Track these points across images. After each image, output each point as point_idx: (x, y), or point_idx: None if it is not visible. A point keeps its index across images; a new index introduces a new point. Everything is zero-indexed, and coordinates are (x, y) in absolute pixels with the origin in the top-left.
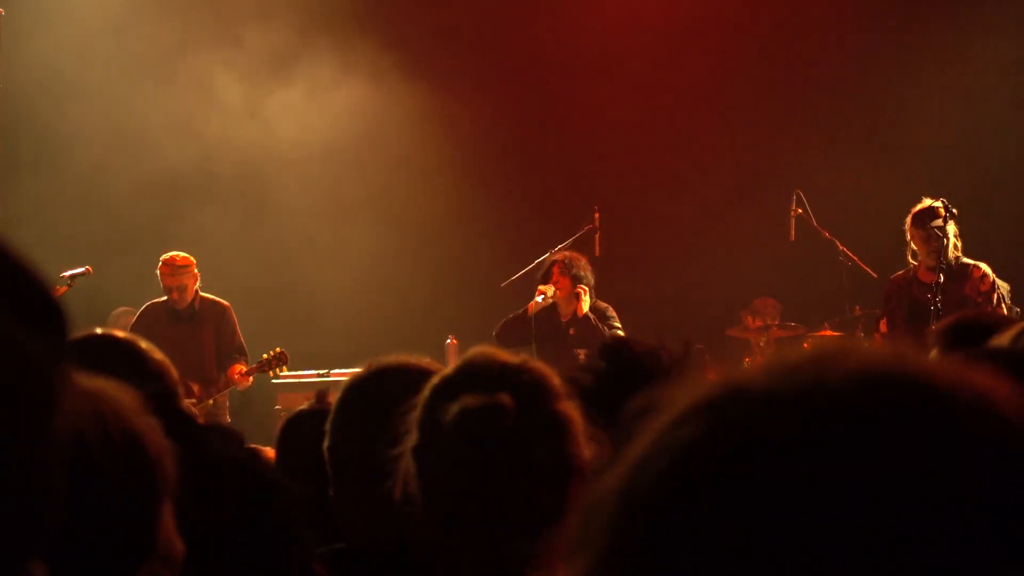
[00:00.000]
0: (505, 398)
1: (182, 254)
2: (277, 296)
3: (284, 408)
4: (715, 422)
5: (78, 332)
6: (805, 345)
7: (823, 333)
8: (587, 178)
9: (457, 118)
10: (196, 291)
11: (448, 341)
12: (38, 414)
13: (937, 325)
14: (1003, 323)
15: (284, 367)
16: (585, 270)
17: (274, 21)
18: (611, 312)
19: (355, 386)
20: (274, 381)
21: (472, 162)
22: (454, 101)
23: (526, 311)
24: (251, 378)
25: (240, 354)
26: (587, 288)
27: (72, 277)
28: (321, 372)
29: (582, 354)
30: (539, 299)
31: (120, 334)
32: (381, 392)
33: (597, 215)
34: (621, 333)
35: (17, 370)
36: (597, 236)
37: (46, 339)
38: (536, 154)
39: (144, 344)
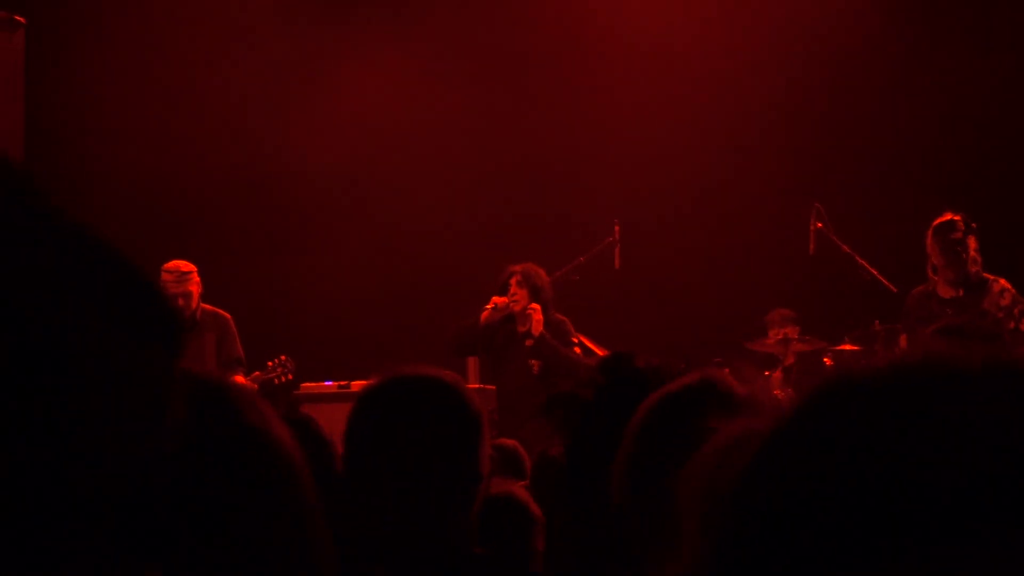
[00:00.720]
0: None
1: (184, 262)
2: (302, 306)
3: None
4: (839, 416)
5: None
6: (825, 360)
7: (843, 347)
8: (607, 191)
9: (477, 131)
10: (199, 300)
11: None
12: (154, 415)
13: (925, 330)
14: (990, 330)
15: (290, 375)
16: (543, 282)
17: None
18: (568, 327)
19: (367, 396)
20: (295, 392)
21: (494, 175)
22: (473, 114)
23: (478, 320)
24: (256, 385)
25: (239, 365)
26: (540, 306)
27: None
28: (342, 384)
29: (536, 366)
30: (492, 308)
31: None
32: (392, 401)
33: (617, 228)
34: (577, 349)
35: (133, 373)
36: (617, 249)
37: (159, 342)
38: (556, 167)
39: None
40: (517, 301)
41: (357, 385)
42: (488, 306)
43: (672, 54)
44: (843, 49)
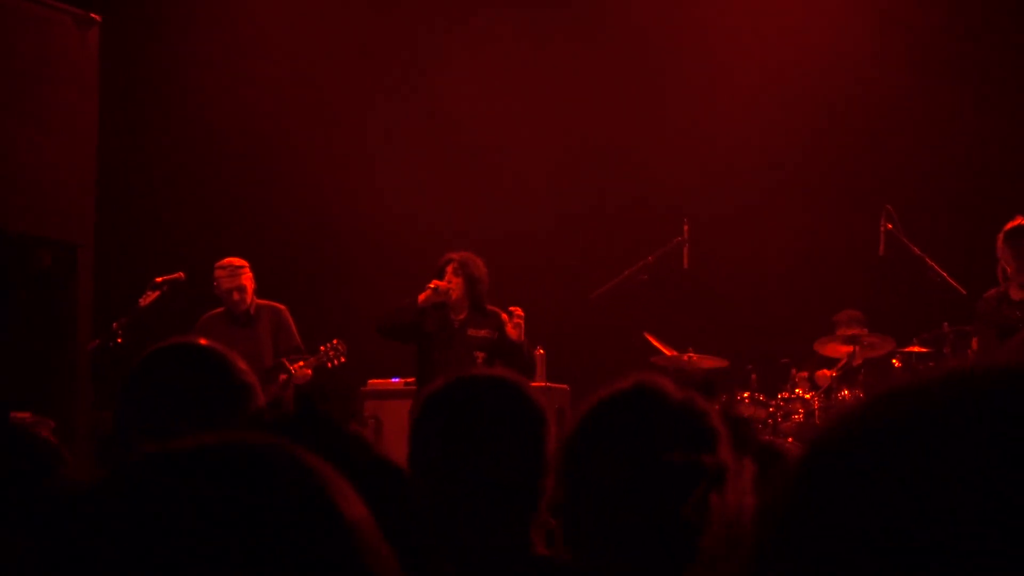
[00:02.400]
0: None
1: (237, 258)
2: (371, 303)
3: (372, 415)
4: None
5: (164, 341)
6: (894, 361)
7: (911, 349)
8: (676, 191)
9: (544, 130)
10: (253, 295)
11: (537, 352)
12: None
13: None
14: None
15: (342, 358)
16: (480, 272)
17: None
18: (504, 317)
19: (432, 397)
20: (362, 389)
21: (562, 173)
22: (539, 113)
23: (415, 301)
24: (310, 370)
25: (298, 353)
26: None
27: (165, 283)
28: (408, 380)
29: (481, 357)
30: (432, 290)
31: (204, 342)
32: (456, 403)
33: (686, 227)
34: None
35: None
36: (686, 248)
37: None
38: (625, 166)
39: (227, 352)
40: (454, 289)
41: None
42: (430, 286)
43: (743, 53)
44: (917, 49)
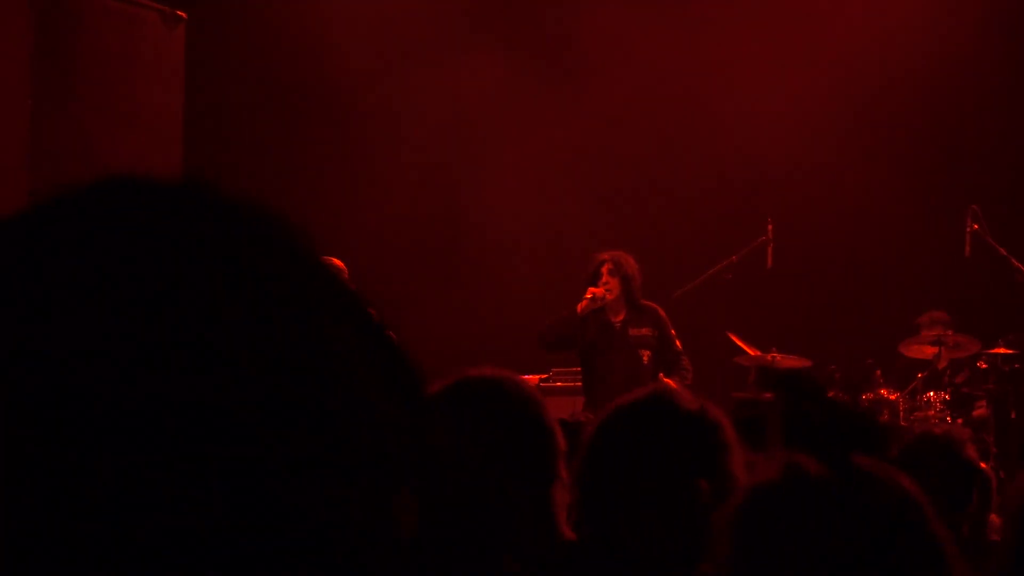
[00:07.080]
0: None
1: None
2: (446, 299)
3: None
4: None
5: None
6: (980, 363)
7: (997, 351)
8: (761, 189)
9: (626, 130)
10: None
11: None
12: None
13: None
14: None
15: None
16: (633, 270)
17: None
18: (663, 315)
19: (435, 399)
20: None
21: (646, 173)
22: (623, 113)
23: (574, 312)
24: None
25: None
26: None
27: None
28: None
29: (646, 355)
30: (591, 299)
31: None
32: (461, 404)
33: (770, 227)
34: (678, 343)
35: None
36: (770, 248)
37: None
38: (709, 166)
39: None
40: (611, 290)
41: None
42: (587, 296)
43: (826, 52)
44: (1001, 50)
